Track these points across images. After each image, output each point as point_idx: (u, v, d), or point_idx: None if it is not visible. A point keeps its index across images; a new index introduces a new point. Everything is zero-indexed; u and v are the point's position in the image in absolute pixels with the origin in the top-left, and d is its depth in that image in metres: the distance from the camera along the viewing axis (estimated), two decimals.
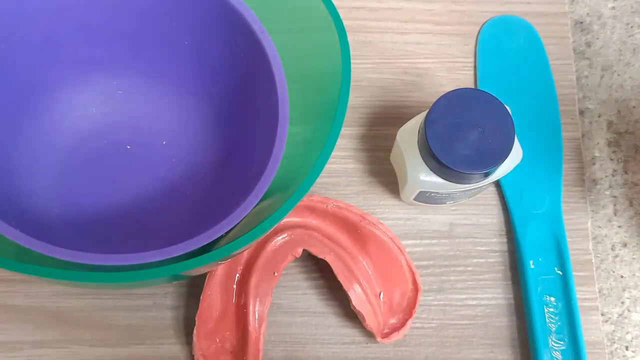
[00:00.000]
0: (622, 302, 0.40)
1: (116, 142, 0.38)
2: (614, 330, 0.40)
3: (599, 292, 0.41)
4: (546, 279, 0.38)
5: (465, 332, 0.39)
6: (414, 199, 0.39)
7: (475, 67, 0.43)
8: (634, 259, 0.41)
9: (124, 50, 0.37)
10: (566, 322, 0.38)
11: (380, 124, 0.42)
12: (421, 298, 0.38)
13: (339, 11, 0.32)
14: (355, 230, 0.38)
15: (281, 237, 0.37)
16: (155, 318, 0.38)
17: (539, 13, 0.44)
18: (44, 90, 0.37)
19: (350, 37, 0.41)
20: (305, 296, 0.39)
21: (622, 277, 0.41)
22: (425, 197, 0.38)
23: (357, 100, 0.42)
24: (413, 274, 0.38)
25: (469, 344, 0.39)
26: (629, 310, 0.40)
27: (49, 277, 0.26)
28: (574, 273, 0.39)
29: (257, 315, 0.36)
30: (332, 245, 0.37)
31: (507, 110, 0.34)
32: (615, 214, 0.42)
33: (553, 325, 0.38)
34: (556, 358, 0.37)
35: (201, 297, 0.36)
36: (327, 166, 0.36)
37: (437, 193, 0.37)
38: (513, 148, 0.34)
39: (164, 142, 0.39)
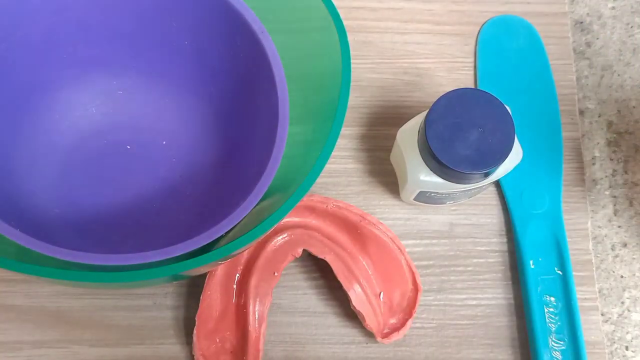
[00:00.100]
0: (622, 302, 0.40)
1: (116, 142, 0.38)
2: (614, 330, 0.40)
3: (599, 292, 0.41)
4: (546, 279, 0.38)
5: (465, 332, 0.39)
6: (414, 199, 0.39)
7: (475, 67, 0.43)
8: (634, 259, 0.41)
9: (124, 50, 0.37)
10: (566, 322, 0.38)
11: (380, 124, 0.42)
12: (421, 298, 0.38)
13: (339, 11, 0.32)
14: (355, 230, 0.38)
15: (281, 237, 0.37)
16: (155, 318, 0.38)
17: (539, 13, 0.44)
18: (44, 90, 0.37)
19: (350, 37, 0.41)
20: (305, 296, 0.39)
21: (622, 277, 0.41)
22: (425, 197, 0.38)
23: (357, 100, 0.42)
24: (413, 274, 0.38)
25: (469, 344, 0.39)
26: (629, 310, 0.40)
27: (49, 277, 0.26)
28: (574, 273, 0.39)
29: (257, 315, 0.36)
30: (332, 245, 0.37)
31: (507, 110, 0.34)
32: (615, 214, 0.42)
33: (553, 325, 0.38)
34: (556, 358, 0.37)
35: (201, 297, 0.36)
36: (327, 166, 0.36)
37: (437, 193, 0.37)
38: (513, 148, 0.34)
39: (164, 142, 0.39)
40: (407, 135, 0.36)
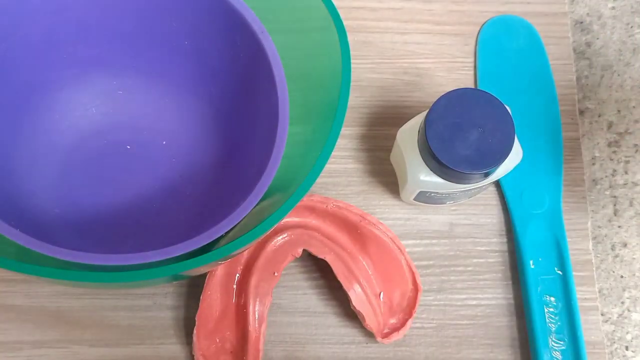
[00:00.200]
0: (622, 302, 0.40)
1: (116, 142, 0.38)
2: (614, 330, 0.40)
3: (599, 292, 0.41)
4: (546, 279, 0.38)
5: (465, 332, 0.39)
6: (414, 199, 0.39)
7: (475, 67, 0.43)
8: (634, 259, 0.41)
9: (124, 50, 0.37)
10: (566, 322, 0.38)
11: (380, 124, 0.42)
12: (421, 298, 0.38)
13: (339, 11, 0.32)
14: (355, 230, 0.38)
15: (281, 237, 0.37)
16: (155, 318, 0.38)
17: (539, 13, 0.44)
18: (44, 90, 0.37)
19: (350, 37, 0.41)
20: (305, 296, 0.39)
21: (622, 277, 0.41)
22: (425, 197, 0.38)
23: (357, 100, 0.42)
24: (413, 274, 0.38)
25: (469, 344, 0.39)
26: (629, 310, 0.40)
27: (49, 277, 0.26)
28: (574, 273, 0.39)
29: (257, 315, 0.36)
30: (332, 245, 0.37)
31: (507, 110, 0.34)
32: (615, 214, 0.42)
33: (553, 325, 0.38)
34: (556, 358, 0.37)
35: (201, 297, 0.36)
36: (327, 166, 0.36)
37: (437, 193, 0.37)
38: (513, 148, 0.34)
39: (164, 142, 0.39)
40: (407, 135, 0.36)
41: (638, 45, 0.45)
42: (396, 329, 0.37)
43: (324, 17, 0.32)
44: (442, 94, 0.34)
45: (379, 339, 0.37)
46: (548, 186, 0.41)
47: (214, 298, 0.37)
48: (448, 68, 0.43)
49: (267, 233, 0.29)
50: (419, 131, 0.35)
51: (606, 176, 0.42)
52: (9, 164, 0.35)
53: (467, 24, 0.44)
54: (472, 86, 0.43)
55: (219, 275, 0.37)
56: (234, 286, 0.37)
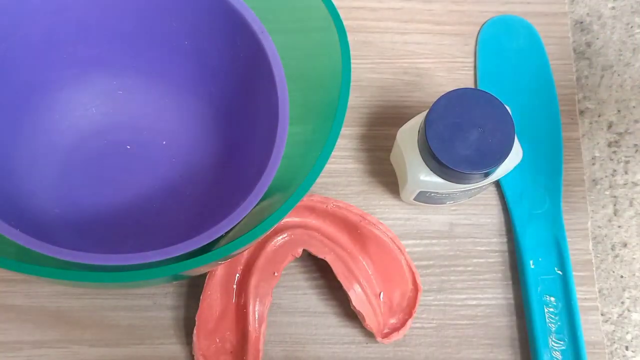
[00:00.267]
0: (622, 302, 0.40)
1: (116, 142, 0.38)
2: (614, 330, 0.40)
3: (599, 292, 0.41)
4: (546, 279, 0.38)
5: (465, 332, 0.39)
6: (414, 199, 0.39)
7: (475, 67, 0.43)
8: (634, 259, 0.41)
9: (124, 50, 0.37)
10: (566, 322, 0.38)
11: (380, 124, 0.42)
12: (421, 298, 0.38)
13: (339, 11, 0.32)
14: (355, 230, 0.38)
15: (281, 237, 0.37)
16: (155, 318, 0.38)
17: (539, 13, 0.44)
18: (44, 90, 0.37)
19: (350, 37, 0.41)
20: (305, 296, 0.39)
21: (622, 277, 0.41)
22: (425, 197, 0.38)
23: (357, 100, 0.42)
24: (413, 274, 0.38)
25: (469, 344, 0.39)
26: (629, 310, 0.40)
27: (49, 277, 0.26)
28: (574, 273, 0.39)
29: (257, 315, 0.36)
30: (332, 245, 0.37)
31: (507, 110, 0.34)
32: (615, 214, 0.42)
33: (553, 325, 0.38)
34: (556, 358, 0.37)
35: (201, 297, 0.36)
36: (327, 166, 0.36)
37: (437, 193, 0.37)
38: (513, 148, 0.34)
39: (164, 142, 0.39)
40: (407, 135, 0.36)
41: (638, 45, 0.45)
42: (396, 329, 0.37)
43: (324, 17, 0.32)
44: (442, 94, 0.34)
45: (379, 339, 0.37)
46: (548, 186, 0.41)
47: (214, 298, 0.37)
48: (448, 68, 0.43)
49: (267, 233, 0.29)
50: (419, 131, 0.35)
51: (606, 176, 0.42)
52: (9, 164, 0.35)
53: (467, 24, 0.44)
54: (472, 86, 0.43)
55: (219, 275, 0.37)
56: (234, 286, 0.37)
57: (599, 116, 0.43)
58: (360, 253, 0.38)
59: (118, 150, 0.38)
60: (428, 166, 0.35)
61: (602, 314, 0.40)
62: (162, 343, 0.38)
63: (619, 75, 0.44)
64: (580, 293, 0.39)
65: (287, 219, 0.38)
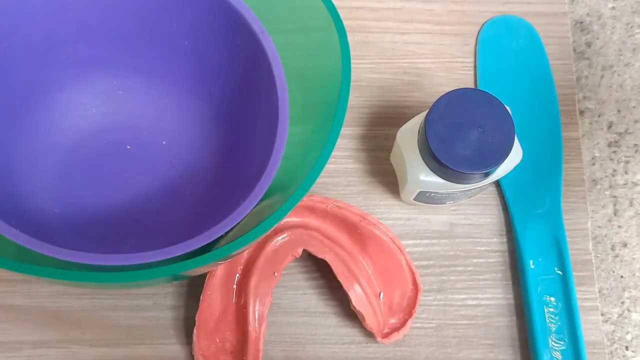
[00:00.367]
0: (622, 302, 0.40)
1: (116, 142, 0.38)
2: (614, 330, 0.40)
3: (599, 292, 0.41)
4: (546, 279, 0.38)
5: (465, 332, 0.39)
6: (414, 199, 0.39)
7: (475, 67, 0.43)
8: (634, 259, 0.41)
9: (124, 50, 0.37)
10: (566, 322, 0.38)
11: (380, 124, 0.42)
12: (421, 298, 0.38)
13: (339, 11, 0.32)
14: (355, 230, 0.38)
15: (281, 237, 0.37)
16: (155, 318, 0.38)
17: (539, 13, 0.44)
18: (44, 90, 0.37)
19: (350, 37, 0.41)
20: (305, 296, 0.39)
21: (622, 277, 0.41)
22: (425, 197, 0.38)
23: (357, 100, 0.42)
24: (413, 274, 0.38)
25: (469, 344, 0.39)
26: (629, 310, 0.40)
27: (49, 277, 0.26)
28: (574, 273, 0.39)
29: (257, 315, 0.36)
30: (332, 245, 0.37)
31: (507, 110, 0.34)
32: (615, 214, 0.42)
33: (553, 325, 0.38)
34: (556, 358, 0.37)
35: (201, 297, 0.36)
36: (327, 166, 0.36)
37: (437, 193, 0.37)
38: (513, 148, 0.34)
39: (164, 142, 0.39)
40: (407, 135, 0.36)
41: (638, 45, 0.45)
42: (396, 329, 0.37)
43: (324, 17, 0.32)
44: (442, 94, 0.34)
45: (379, 339, 0.37)
46: (548, 186, 0.41)
47: (214, 298, 0.37)
48: (448, 68, 0.43)
49: (267, 233, 0.29)
50: (419, 131, 0.35)
51: (606, 176, 0.42)
52: (9, 164, 0.35)
53: (467, 24, 0.44)
54: (472, 86, 0.43)
55: (219, 275, 0.37)
56: (234, 286, 0.37)
57: (599, 116, 0.43)
58: (360, 253, 0.38)
59: (118, 150, 0.38)
60: (428, 166, 0.35)
61: (602, 314, 0.40)
62: (162, 343, 0.38)
63: (619, 75, 0.44)
64: (580, 293, 0.39)
65: (287, 219, 0.38)
